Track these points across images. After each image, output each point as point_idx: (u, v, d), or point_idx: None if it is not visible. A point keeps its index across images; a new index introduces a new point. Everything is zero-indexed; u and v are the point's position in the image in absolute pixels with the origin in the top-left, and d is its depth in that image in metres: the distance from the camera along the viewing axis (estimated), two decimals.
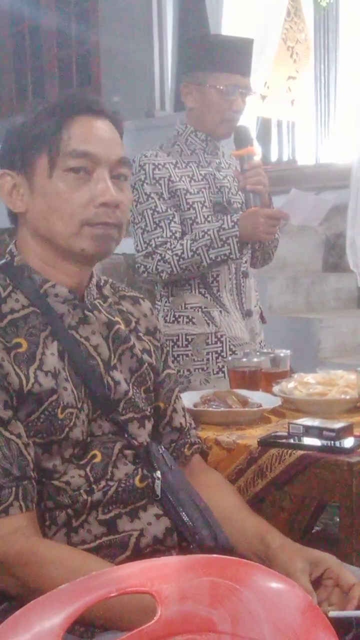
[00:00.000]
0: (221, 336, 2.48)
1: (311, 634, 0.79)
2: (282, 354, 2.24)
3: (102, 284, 1.45)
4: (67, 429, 1.27)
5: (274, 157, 6.15)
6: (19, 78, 7.30)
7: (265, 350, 2.32)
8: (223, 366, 2.46)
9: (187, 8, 5.79)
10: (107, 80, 6.45)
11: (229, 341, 2.48)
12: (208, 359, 2.47)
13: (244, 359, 2.18)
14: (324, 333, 4.20)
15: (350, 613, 1.19)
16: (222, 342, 2.48)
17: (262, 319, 2.67)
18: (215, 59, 2.45)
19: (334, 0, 5.51)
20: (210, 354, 2.47)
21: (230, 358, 2.26)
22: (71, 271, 1.34)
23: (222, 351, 2.47)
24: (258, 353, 2.28)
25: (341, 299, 4.78)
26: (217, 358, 2.46)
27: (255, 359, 2.18)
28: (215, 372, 2.46)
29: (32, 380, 1.25)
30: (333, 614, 1.18)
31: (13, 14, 7.07)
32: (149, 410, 1.43)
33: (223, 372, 2.46)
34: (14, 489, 1.20)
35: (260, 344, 2.60)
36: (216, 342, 2.47)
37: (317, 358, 3.99)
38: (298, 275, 4.81)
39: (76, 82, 6.81)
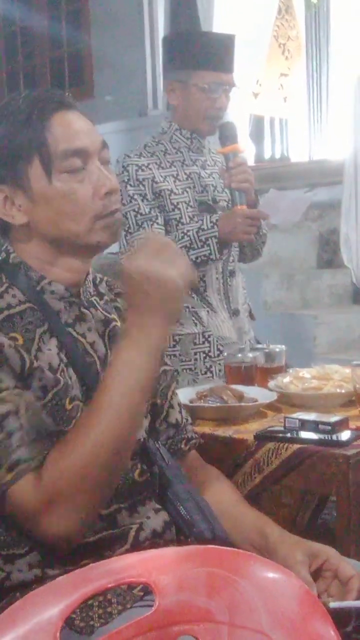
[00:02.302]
0: (209, 336, 2.47)
1: (308, 623, 0.80)
2: (277, 349, 2.25)
3: (97, 281, 1.46)
4: (74, 421, 1.27)
5: (267, 154, 6.15)
6: (11, 79, 7.29)
7: (260, 346, 2.32)
8: (211, 366, 2.45)
9: (178, 7, 5.79)
10: (99, 80, 6.45)
11: (217, 341, 2.47)
12: (196, 359, 2.45)
13: (240, 355, 2.19)
14: (319, 329, 4.21)
15: (351, 603, 1.20)
16: (209, 342, 2.47)
17: (251, 316, 2.67)
18: (197, 57, 2.43)
19: None
20: (198, 354, 2.46)
21: (225, 354, 2.26)
22: (73, 266, 1.34)
23: (209, 351, 2.46)
24: (253, 348, 2.28)
25: (336, 294, 4.79)
26: (204, 358, 2.45)
27: (250, 355, 2.18)
28: (203, 372, 2.45)
29: (35, 364, 1.25)
30: (333, 605, 1.19)
31: (4, 16, 7.06)
32: (145, 406, 1.44)
33: (211, 372, 2.45)
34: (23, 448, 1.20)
35: (249, 341, 2.59)
36: (204, 342, 2.46)
37: (313, 354, 4.00)
38: (292, 271, 4.81)
39: (68, 82, 6.81)
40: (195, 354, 2.46)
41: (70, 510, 1.17)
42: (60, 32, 6.81)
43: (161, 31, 5.98)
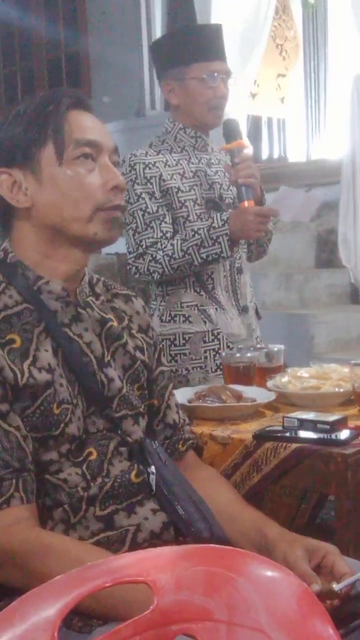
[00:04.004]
0: (218, 334, 2.47)
1: (307, 621, 0.80)
2: (275, 349, 2.24)
3: (94, 282, 1.46)
4: (62, 425, 1.28)
5: (264, 154, 6.17)
6: (9, 81, 7.30)
7: (259, 346, 2.32)
8: (221, 364, 2.45)
9: (176, 7, 5.80)
10: (97, 81, 6.46)
11: (226, 338, 2.47)
12: (206, 357, 2.45)
13: (238, 355, 2.18)
14: (318, 329, 4.20)
15: (354, 578, 1.21)
16: (219, 339, 2.46)
17: (257, 314, 2.67)
18: (188, 51, 2.44)
19: None
20: (208, 352, 2.46)
21: (224, 354, 2.26)
22: (70, 257, 1.35)
23: (219, 349, 2.45)
24: (252, 348, 2.28)
25: (334, 294, 4.79)
26: (214, 356, 2.45)
27: (249, 354, 2.18)
28: (213, 370, 2.45)
29: (26, 374, 1.26)
30: (337, 587, 1.20)
31: (1, 17, 7.06)
32: (142, 407, 1.44)
33: (221, 370, 2.45)
34: (14, 480, 1.21)
35: (257, 339, 2.59)
36: (213, 340, 2.46)
37: (311, 354, 4.00)
38: (291, 271, 4.81)
39: (66, 83, 6.82)
40: (205, 352, 2.46)
41: (14, 574, 1.19)
42: (57, 33, 6.82)
43: (158, 32, 5.99)
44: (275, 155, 6.20)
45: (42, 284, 1.33)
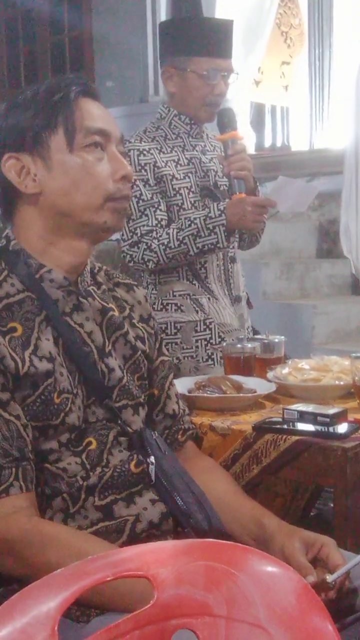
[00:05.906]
0: (210, 323, 2.45)
1: (306, 617, 0.80)
2: (276, 340, 2.24)
3: (96, 270, 1.45)
4: (62, 414, 1.28)
5: (267, 142, 6.14)
6: (12, 64, 7.26)
7: (259, 336, 2.31)
8: (212, 353, 2.44)
9: None
10: (100, 65, 6.42)
11: (218, 328, 2.46)
12: (197, 347, 2.44)
13: (239, 345, 2.18)
14: (318, 319, 4.20)
15: (345, 568, 1.21)
16: (210, 329, 2.45)
17: (249, 304, 2.66)
18: (194, 43, 2.40)
19: None
20: (200, 341, 2.44)
21: (224, 344, 2.26)
22: (74, 248, 1.34)
23: (211, 338, 2.45)
24: (252, 339, 2.28)
25: (335, 285, 4.78)
26: (206, 345, 2.44)
27: (249, 345, 2.18)
28: (204, 360, 2.44)
29: (27, 363, 1.26)
30: (331, 578, 1.20)
31: (6, 1, 7.01)
32: (142, 397, 1.44)
33: (212, 360, 2.44)
34: (13, 469, 1.21)
35: (248, 329, 2.58)
36: (205, 330, 2.45)
37: (311, 344, 4.00)
38: (292, 261, 4.80)
39: (69, 67, 6.78)
40: (197, 341, 2.44)
41: (12, 563, 1.20)
42: (61, 16, 6.77)
43: (163, 17, 5.95)
44: (278, 144, 6.17)
45: (44, 273, 1.32)
